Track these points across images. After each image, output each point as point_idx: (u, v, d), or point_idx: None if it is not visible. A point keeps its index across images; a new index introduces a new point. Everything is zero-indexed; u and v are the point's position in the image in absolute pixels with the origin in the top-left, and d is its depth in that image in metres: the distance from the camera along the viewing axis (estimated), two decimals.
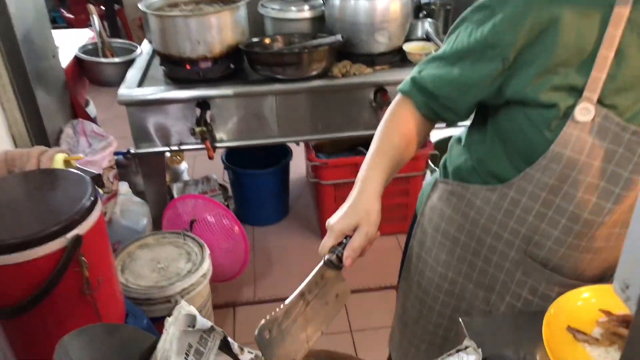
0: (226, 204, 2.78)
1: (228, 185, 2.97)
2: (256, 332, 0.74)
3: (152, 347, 0.90)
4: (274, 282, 2.56)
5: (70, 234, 1.30)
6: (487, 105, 1.00)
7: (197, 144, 2.24)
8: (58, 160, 1.62)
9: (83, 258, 1.34)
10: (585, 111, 0.82)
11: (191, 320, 0.92)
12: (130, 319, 1.61)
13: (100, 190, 2.09)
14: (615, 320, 0.94)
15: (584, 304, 0.98)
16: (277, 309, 0.80)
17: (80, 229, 1.33)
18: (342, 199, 0.98)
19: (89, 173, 1.52)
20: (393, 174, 0.99)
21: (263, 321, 0.75)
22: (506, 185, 0.97)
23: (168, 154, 2.67)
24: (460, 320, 1.04)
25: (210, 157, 2.23)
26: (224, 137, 2.24)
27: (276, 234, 2.87)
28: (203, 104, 2.13)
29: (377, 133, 1.01)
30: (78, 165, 1.63)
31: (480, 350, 0.85)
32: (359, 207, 0.91)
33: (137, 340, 0.89)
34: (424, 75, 1.00)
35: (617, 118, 0.83)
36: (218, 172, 3.03)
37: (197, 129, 2.14)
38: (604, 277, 1.05)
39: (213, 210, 2.31)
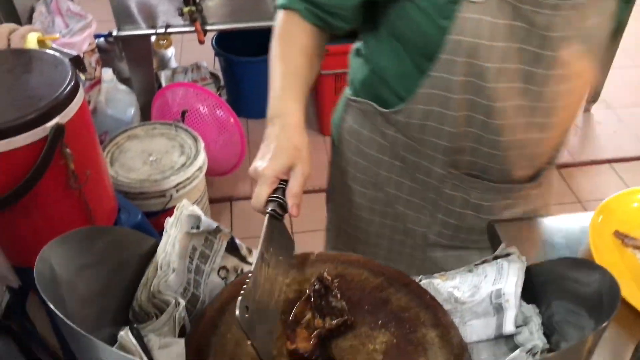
0: (218, 93, 2.62)
1: (219, 74, 2.78)
2: (237, 315, 0.61)
3: (152, 251, 0.80)
4: None
5: (51, 123, 1.16)
6: (375, 4, 0.87)
7: (185, 26, 2.04)
8: (31, 39, 1.43)
9: (67, 149, 1.22)
10: None
11: (195, 221, 0.81)
12: (124, 214, 1.51)
13: (81, 76, 1.92)
14: None
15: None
16: (246, 281, 0.68)
17: (62, 117, 1.19)
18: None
19: (67, 55, 1.34)
20: (307, 97, 0.86)
21: (239, 300, 0.63)
22: (414, 99, 0.87)
23: (154, 38, 2.46)
24: (493, 224, 0.95)
25: (201, 42, 2.04)
26: (215, 18, 2.03)
27: None
28: None
29: (275, 58, 0.88)
30: (55, 46, 1.45)
31: (524, 258, 0.75)
32: (287, 145, 0.77)
33: (133, 243, 0.78)
34: None
35: None
36: (208, 59, 2.83)
37: (186, 9, 1.95)
38: (538, 174, 0.97)
39: (206, 101, 2.15)
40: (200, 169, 1.83)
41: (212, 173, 2.18)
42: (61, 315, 0.46)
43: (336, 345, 0.76)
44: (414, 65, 0.87)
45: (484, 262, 0.82)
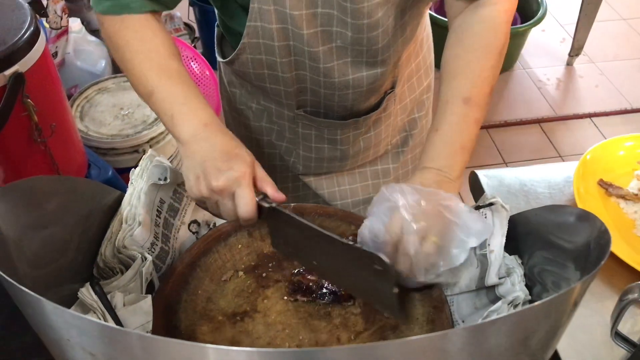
0: (193, 45, 2.52)
1: (194, 25, 2.67)
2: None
3: (117, 204, 0.75)
4: None
5: (10, 71, 1.09)
6: None
7: None
8: None
9: (29, 100, 1.15)
10: None
11: (162, 172, 0.77)
12: (94, 171, 1.46)
13: (44, 23, 1.81)
14: None
15: (626, 154, 0.86)
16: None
17: (22, 66, 1.12)
18: None
19: None
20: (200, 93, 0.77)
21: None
22: (241, 48, 0.85)
23: None
24: (475, 172, 0.91)
25: None
26: None
27: None
28: None
29: (155, 69, 0.75)
30: None
31: (508, 206, 0.73)
32: (228, 149, 0.70)
33: (96, 196, 0.73)
34: None
35: None
36: (182, 9, 2.71)
37: None
38: (381, 100, 0.98)
39: (180, 53, 2.05)
40: None
41: None
42: (5, 277, 0.41)
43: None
44: (238, 18, 0.85)
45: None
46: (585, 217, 0.56)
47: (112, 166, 1.54)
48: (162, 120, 0.74)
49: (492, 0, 0.79)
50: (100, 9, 0.77)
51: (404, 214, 0.65)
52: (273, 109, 0.99)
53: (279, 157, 1.08)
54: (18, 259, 0.52)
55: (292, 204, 0.84)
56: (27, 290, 0.39)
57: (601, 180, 0.85)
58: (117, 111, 1.77)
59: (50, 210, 0.61)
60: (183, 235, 0.81)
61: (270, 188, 0.69)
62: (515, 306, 0.69)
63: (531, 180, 0.91)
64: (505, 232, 0.72)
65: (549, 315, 0.45)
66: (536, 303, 0.42)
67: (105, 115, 1.75)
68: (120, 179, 1.53)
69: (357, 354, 0.39)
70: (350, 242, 0.64)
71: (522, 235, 0.72)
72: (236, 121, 1.09)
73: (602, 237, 0.50)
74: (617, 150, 0.88)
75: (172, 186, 0.79)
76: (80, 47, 2.05)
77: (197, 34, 2.69)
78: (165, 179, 0.76)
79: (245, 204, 0.66)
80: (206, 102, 0.75)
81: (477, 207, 0.78)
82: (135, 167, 0.78)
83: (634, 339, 0.64)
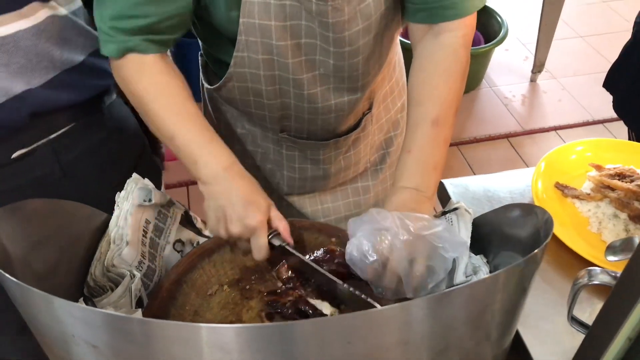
0: None
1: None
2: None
3: (104, 225, 0.79)
4: None
5: None
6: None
7: None
8: None
9: None
10: None
11: (146, 194, 0.81)
12: None
13: None
14: (607, 174, 0.89)
15: (577, 158, 0.93)
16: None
17: None
18: None
19: None
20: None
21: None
22: (228, 76, 0.91)
23: None
24: (442, 181, 0.98)
25: None
26: None
27: None
28: None
29: (173, 113, 0.79)
30: None
31: (471, 210, 0.78)
32: (247, 194, 0.77)
33: (84, 218, 0.77)
34: (112, 18, 0.78)
35: None
36: None
37: None
38: (359, 122, 1.04)
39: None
40: None
41: (167, 158, 2.15)
42: (13, 279, 0.45)
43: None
44: (224, 49, 0.90)
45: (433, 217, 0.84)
46: (531, 209, 0.63)
47: None
48: (184, 162, 0.79)
49: (450, 27, 0.84)
50: (107, 52, 0.79)
51: (394, 239, 0.69)
52: (258, 133, 1.04)
53: (263, 179, 1.12)
54: (23, 275, 0.56)
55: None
56: (36, 290, 0.43)
57: (557, 182, 0.91)
58: None
59: (47, 231, 0.65)
60: (168, 254, 0.85)
61: (282, 228, 0.77)
62: None
63: (494, 186, 0.98)
64: (470, 234, 0.78)
65: (500, 289, 0.50)
66: (487, 276, 0.47)
67: None
68: None
69: (328, 326, 0.44)
70: (357, 292, 0.69)
71: (485, 235, 0.78)
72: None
73: (547, 224, 0.56)
74: (569, 154, 0.95)
75: (157, 207, 0.83)
76: None
77: None
78: (150, 200, 0.80)
79: (259, 250, 0.76)
80: (223, 144, 0.80)
81: (444, 213, 0.84)
82: (120, 190, 0.82)
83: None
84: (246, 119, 1.04)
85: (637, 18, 1.28)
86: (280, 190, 1.13)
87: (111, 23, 0.78)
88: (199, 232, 0.91)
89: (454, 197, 0.94)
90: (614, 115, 1.40)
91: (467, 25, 0.84)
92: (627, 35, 1.33)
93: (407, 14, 0.87)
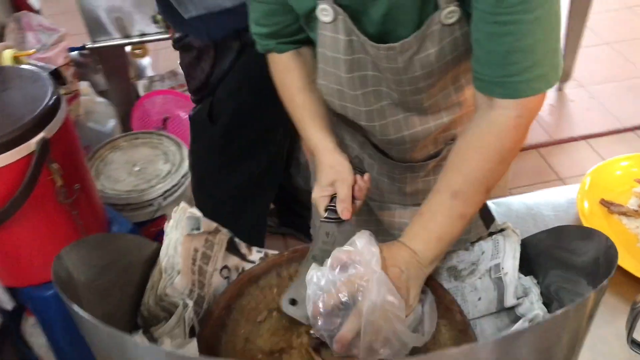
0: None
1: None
2: (282, 306, 0.77)
3: (155, 255, 0.81)
4: None
5: (36, 138, 1.16)
6: None
7: (160, 33, 2.02)
8: (6, 56, 1.42)
9: (54, 164, 1.21)
10: (324, 12, 0.83)
11: (195, 223, 0.82)
12: (115, 226, 1.51)
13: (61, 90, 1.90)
14: None
15: (623, 173, 0.92)
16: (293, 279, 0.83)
17: (47, 132, 1.18)
18: None
19: (46, 69, 1.33)
20: (329, 118, 0.98)
21: (284, 298, 0.78)
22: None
23: (129, 48, 2.44)
24: (487, 203, 0.97)
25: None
26: None
27: None
28: None
29: (287, 106, 1.00)
30: (31, 62, 1.44)
31: (518, 231, 0.78)
32: (324, 169, 0.91)
33: (137, 248, 0.79)
34: (253, 24, 0.97)
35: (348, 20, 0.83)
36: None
37: (159, 16, 1.92)
38: (441, 150, 1.02)
39: (186, 106, 2.14)
40: (185, 175, 1.83)
41: None
42: (84, 314, 0.47)
43: None
44: None
45: (479, 239, 0.84)
46: (591, 234, 0.62)
47: (130, 220, 1.60)
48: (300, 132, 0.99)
49: (504, 104, 0.77)
50: (259, 49, 0.99)
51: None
52: (348, 131, 1.08)
53: None
54: (86, 302, 0.57)
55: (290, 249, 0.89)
56: (115, 329, 0.44)
57: (602, 199, 0.90)
58: (130, 167, 1.84)
59: (105, 260, 0.67)
60: (216, 281, 0.86)
61: (339, 206, 0.86)
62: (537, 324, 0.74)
63: (537, 204, 0.97)
64: (518, 255, 0.77)
65: (567, 326, 0.50)
66: (555, 313, 0.47)
67: (119, 172, 1.81)
68: (138, 233, 1.58)
69: None
70: None
71: (534, 256, 0.77)
72: None
73: (609, 251, 0.55)
74: (614, 170, 0.94)
75: (204, 235, 0.84)
76: (90, 108, 2.14)
77: None
78: (198, 228, 0.82)
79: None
80: (322, 126, 0.95)
81: (490, 234, 0.83)
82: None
83: None
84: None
85: None
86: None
87: (253, 29, 0.96)
88: (244, 257, 0.91)
89: (497, 217, 0.94)
90: None
91: (524, 106, 0.77)
92: None
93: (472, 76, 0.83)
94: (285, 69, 0.98)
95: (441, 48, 0.82)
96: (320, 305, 0.71)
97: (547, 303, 0.75)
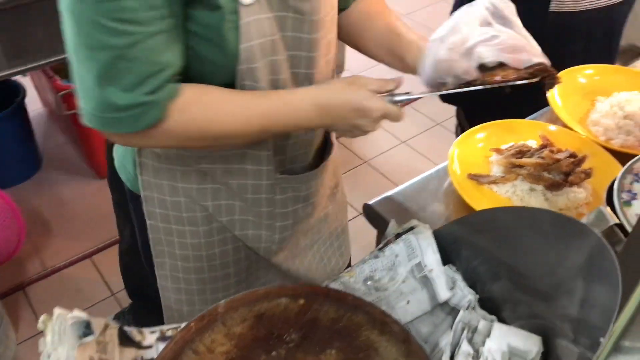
0: None
1: None
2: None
3: None
4: (59, 244, 2.15)
5: None
6: None
7: None
8: None
9: None
10: None
11: (84, 328, 0.65)
12: None
13: None
14: (510, 155, 0.97)
15: (485, 145, 0.99)
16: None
17: None
18: None
19: None
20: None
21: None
22: None
23: None
24: (370, 206, 0.97)
25: None
26: None
27: (35, 191, 2.36)
28: None
29: (239, 115, 0.81)
30: None
31: (428, 225, 0.78)
32: (342, 97, 0.84)
33: None
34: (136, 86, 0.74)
35: None
36: None
37: None
38: (331, 145, 1.04)
39: None
40: None
41: None
42: None
43: None
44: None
45: (387, 243, 0.83)
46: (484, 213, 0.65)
47: None
48: (293, 127, 0.85)
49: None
50: (150, 121, 0.74)
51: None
52: (248, 185, 0.92)
53: (248, 242, 0.99)
54: None
55: (222, 302, 0.78)
56: None
57: (469, 174, 0.96)
58: None
59: None
60: None
61: (393, 85, 0.84)
62: (474, 308, 0.76)
63: (414, 195, 1.00)
64: (437, 248, 0.78)
65: None
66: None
67: None
68: None
69: None
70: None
71: (447, 245, 0.79)
72: (171, 219, 0.96)
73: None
74: (474, 144, 1.02)
75: (94, 338, 0.68)
76: None
77: None
78: (90, 332, 0.65)
79: (397, 117, 0.83)
80: (295, 90, 0.84)
81: (398, 235, 0.83)
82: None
83: None
84: (230, 173, 0.91)
85: None
86: (269, 250, 0.99)
87: (139, 90, 0.72)
88: (139, 346, 0.76)
89: (388, 216, 0.94)
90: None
91: None
92: None
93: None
94: (199, 94, 0.78)
95: None
96: None
97: (471, 285, 0.78)
